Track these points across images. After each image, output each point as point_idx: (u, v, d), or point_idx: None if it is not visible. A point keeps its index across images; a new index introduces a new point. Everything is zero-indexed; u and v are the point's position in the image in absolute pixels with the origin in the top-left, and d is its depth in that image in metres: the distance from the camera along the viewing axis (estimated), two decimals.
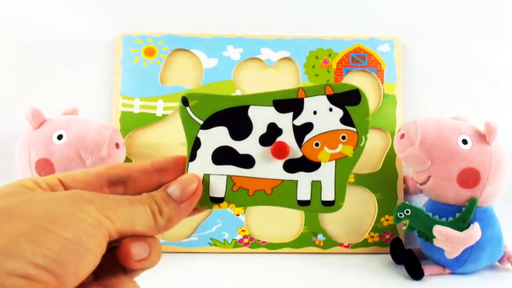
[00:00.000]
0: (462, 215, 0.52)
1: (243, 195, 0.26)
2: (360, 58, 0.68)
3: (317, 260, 0.61)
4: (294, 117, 0.26)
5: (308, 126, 0.26)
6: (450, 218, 0.53)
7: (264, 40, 0.68)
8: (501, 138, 0.54)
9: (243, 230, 0.64)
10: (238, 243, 0.64)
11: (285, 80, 0.67)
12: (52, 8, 0.69)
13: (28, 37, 0.69)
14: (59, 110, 0.60)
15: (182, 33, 0.68)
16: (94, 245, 0.19)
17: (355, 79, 0.68)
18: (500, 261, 0.56)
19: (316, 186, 0.26)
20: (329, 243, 0.64)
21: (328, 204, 0.26)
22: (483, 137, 0.53)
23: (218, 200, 0.26)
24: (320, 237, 0.64)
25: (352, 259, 0.62)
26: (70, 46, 0.69)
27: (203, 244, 0.63)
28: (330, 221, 0.65)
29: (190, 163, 0.26)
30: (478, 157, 0.52)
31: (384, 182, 0.65)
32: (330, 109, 0.26)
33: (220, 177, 0.26)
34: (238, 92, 0.66)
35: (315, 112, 0.26)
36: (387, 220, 0.65)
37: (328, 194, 0.26)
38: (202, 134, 0.26)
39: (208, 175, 0.26)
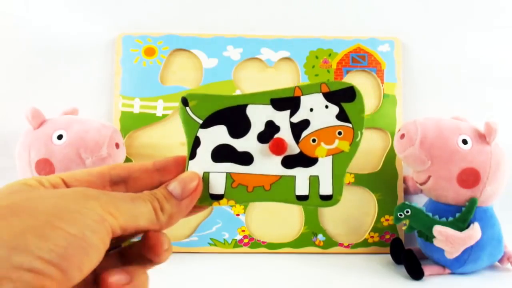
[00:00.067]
0: (462, 215, 0.52)
1: (242, 191, 0.26)
2: (360, 58, 0.68)
3: (317, 260, 0.61)
4: (291, 115, 0.27)
5: (305, 123, 0.26)
6: (450, 218, 0.53)
7: (264, 40, 0.68)
8: (501, 138, 0.54)
9: (243, 230, 0.64)
10: (238, 243, 0.64)
11: (285, 80, 0.67)
12: (52, 8, 0.69)
13: (28, 37, 0.69)
14: (59, 110, 0.60)
15: (182, 33, 0.68)
16: (98, 240, 0.19)
17: (355, 79, 0.68)
18: (500, 261, 0.56)
19: (314, 181, 0.26)
20: (329, 243, 0.64)
21: (326, 198, 0.26)
22: (483, 137, 0.53)
23: (218, 197, 0.26)
24: (320, 237, 0.64)
25: (352, 259, 0.62)
26: (70, 46, 0.69)
27: (203, 244, 0.63)
28: (330, 221, 0.65)
29: (190, 162, 0.27)
30: (478, 157, 0.52)
31: (384, 182, 0.65)
32: (326, 106, 0.26)
33: (219, 175, 0.26)
34: (238, 92, 0.66)
35: (311, 110, 0.26)
36: (387, 220, 0.65)
37: (326, 188, 0.26)
38: (202, 133, 0.27)
39: (208, 172, 0.26)
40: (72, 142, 0.53)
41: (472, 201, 0.52)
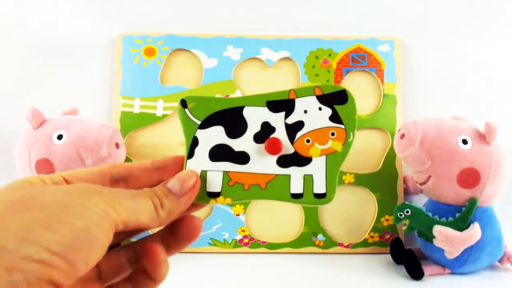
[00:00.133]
0: (462, 215, 0.52)
1: (238, 189, 0.27)
2: (360, 58, 0.68)
3: (317, 260, 0.61)
4: (286, 116, 0.28)
5: (299, 124, 0.27)
6: (450, 218, 0.53)
7: (264, 40, 0.68)
8: (501, 138, 0.54)
9: (243, 230, 0.64)
10: (238, 243, 0.64)
11: (285, 80, 0.67)
12: (52, 8, 0.69)
13: (28, 37, 0.69)
14: (59, 110, 0.60)
15: (182, 33, 0.68)
16: (102, 234, 0.20)
17: (355, 79, 0.68)
18: (500, 261, 0.56)
19: (308, 179, 0.27)
20: (329, 243, 0.64)
21: (320, 197, 0.27)
22: (483, 137, 0.53)
23: (215, 195, 0.27)
24: (320, 237, 0.64)
25: (352, 259, 0.62)
26: (70, 46, 0.69)
27: (203, 244, 0.63)
28: (330, 221, 0.65)
29: (188, 160, 0.28)
30: (478, 157, 0.52)
31: (384, 182, 0.65)
32: (320, 108, 0.27)
33: (216, 173, 0.27)
34: (238, 92, 0.66)
35: (305, 111, 0.28)
36: (387, 220, 0.65)
37: (319, 187, 0.27)
38: (200, 133, 0.28)
39: (205, 171, 0.27)
40: (72, 142, 0.53)
41: (472, 201, 0.52)
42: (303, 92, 0.28)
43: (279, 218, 0.65)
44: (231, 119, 0.28)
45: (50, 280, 0.18)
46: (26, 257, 0.17)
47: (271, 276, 0.56)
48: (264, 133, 0.28)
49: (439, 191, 0.54)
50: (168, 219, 0.24)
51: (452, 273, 0.55)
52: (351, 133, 0.27)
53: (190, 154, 0.28)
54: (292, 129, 0.27)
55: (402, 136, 0.55)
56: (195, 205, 0.27)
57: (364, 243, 0.64)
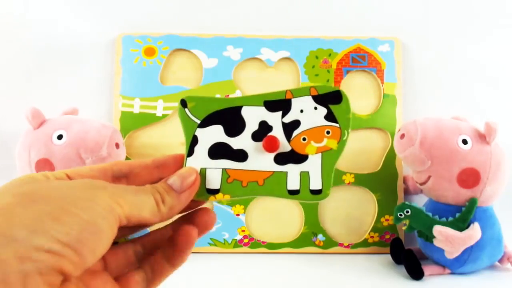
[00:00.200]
0: (462, 215, 0.52)
1: (237, 186, 0.28)
2: (360, 58, 0.68)
3: (317, 260, 0.61)
4: (283, 115, 0.29)
5: (296, 123, 0.28)
6: (450, 218, 0.53)
7: (264, 40, 0.68)
8: (501, 138, 0.54)
9: (243, 230, 0.64)
10: (238, 243, 0.64)
11: (285, 80, 0.67)
12: (52, 8, 0.69)
13: (28, 37, 0.69)
14: (59, 110, 0.60)
15: (182, 33, 0.68)
16: (107, 227, 0.21)
17: (355, 79, 0.68)
18: (500, 261, 0.57)
19: (304, 176, 0.28)
20: (329, 243, 0.64)
21: (316, 193, 0.28)
22: (483, 137, 0.53)
23: (214, 192, 0.28)
24: (320, 237, 0.64)
25: (352, 259, 0.62)
26: (70, 46, 0.69)
27: (203, 244, 0.63)
28: (330, 221, 0.65)
29: (188, 158, 0.28)
30: (478, 157, 0.52)
31: (384, 182, 0.65)
32: (315, 108, 0.28)
33: (215, 170, 0.28)
34: (238, 92, 0.66)
35: (301, 111, 0.29)
36: (387, 220, 0.65)
37: (315, 183, 0.28)
38: (199, 132, 0.29)
39: (205, 168, 0.28)
40: (72, 142, 0.53)
41: (472, 201, 0.52)
42: (299, 92, 0.29)
43: (279, 218, 0.65)
44: (230, 118, 0.29)
45: (60, 270, 0.18)
46: (37, 247, 0.18)
47: (271, 276, 0.56)
48: (262, 132, 0.28)
49: (439, 191, 0.54)
50: (169, 214, 0.25)
51: (452, 273, 0.55)
52: (346, 132, 0.28)
53: (190, 152, 0.28)
54: (289, 128, 0.28)
55: (402, 136, 0.55)
56: (194, 202, 0.27)
57: (364, 243, 0.64)
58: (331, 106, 0.28)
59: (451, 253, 0.51)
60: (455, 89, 0.71)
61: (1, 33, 0.69)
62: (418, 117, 0.56)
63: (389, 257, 0.60)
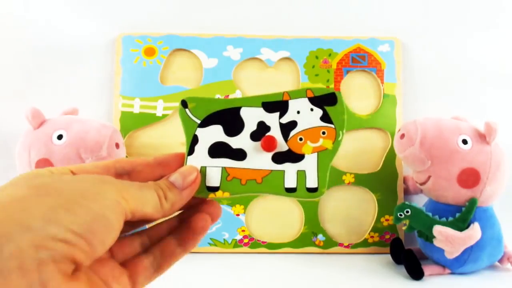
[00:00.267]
0: (462, 215, 0.52)
1: (236, 184, 0.29)
2: (360, 58, 0.68)
3: (317, 260, 0.61)
4: (280, 116, 0.30)
5: (293, 124, 0.30)
6: (450, 218, 0.53)
7: (264, 40, 0.68)
8: (501, 138, 0.54)
9: (243, 230, 0.64)
10: (238, 243, 0.64)
11: (285, 80, 0.67)
12: (52, 8, 0.69)
13: (28, 37, 0.69)
14: (59, 110, 0.60)
15: (182, 33, 0.68)
16: (115, 220, 0.21)
17: (355, 79, 0.68)
18: (500, 261, 0.57)
19: (301, 175, 0.29)
20: (329, 243, 0.64)
21: (312, 191, 0.29)
22: (483, 137, 0.53)
23: (214, 189, 0.29)
24: (320, 237, 0.64)
25: (352, 259, 0.62)
26: (70, 46, 0.69)
27: (203, 244, 0.63)
28: (330, 221, 0.65)
29: (189, 157, 0.29)
30: (478, 157, 0.52)
31: (384, 182, 0.65)
32: (311, 109, 0.30)
33: (215, 169, 0.29)
34: (238, 92, 0.66)
35: (298, 112, 0.30)
36: (387, 220, 0.65)
37: (312, 182, 0.29)
38: (200, 132, 0.30)
39: (205, 167, 0.29)
40: (72, 142, 0.53)
41: (472, 201, 0.52)
42: (296, 94, 0.30)
43: (279, 218, 0.65)
44: (229, 118, 0.30)
45: (73, 258, 0.19)
46: (52, 237, 0.19)
47: (271, 276, 0.56)
48: (260, 132, 0.29)
49: (439, 191, 0.54)
50: (171, 211, 0.26)
51: (452, 273, 0.55)
52: (340, 132, 0.29)
53: (191, 151, 0.29)
54: (286, 128, 0.29)
55: (402, 136, 0.55)
56: (195, 199, 0.28)
57: (364, 243, 0.64)
58: (327, 108, 0.29)
59: (451, 253, 0.51)
60: (455, 89, 0.71)
61: (1, 33, 0.69)
62: (418, 117, 0.56)
63: (389, 257, 0.60)
